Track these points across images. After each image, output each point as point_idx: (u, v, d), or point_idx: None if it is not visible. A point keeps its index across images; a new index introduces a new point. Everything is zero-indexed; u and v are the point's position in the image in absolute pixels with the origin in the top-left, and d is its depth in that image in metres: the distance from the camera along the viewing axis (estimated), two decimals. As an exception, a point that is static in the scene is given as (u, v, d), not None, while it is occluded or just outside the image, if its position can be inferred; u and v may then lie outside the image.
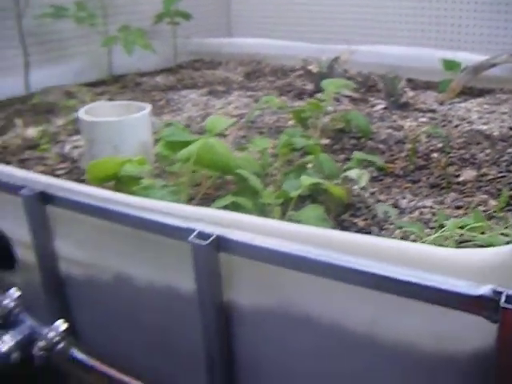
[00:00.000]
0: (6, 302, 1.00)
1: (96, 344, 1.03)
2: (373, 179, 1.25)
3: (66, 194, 0.97)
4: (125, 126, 1.24)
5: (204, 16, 2.71)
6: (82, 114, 1.29)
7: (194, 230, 0.80)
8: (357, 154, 1.26)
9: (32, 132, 1.62)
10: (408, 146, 1.41)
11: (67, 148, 1.52)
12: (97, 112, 1.31)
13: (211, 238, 0.78)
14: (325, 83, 1.51)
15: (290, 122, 1.60)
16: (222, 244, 0.79)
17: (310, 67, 1.90)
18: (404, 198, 1.16)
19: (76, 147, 1.51)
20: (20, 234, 1.10)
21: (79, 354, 0.94)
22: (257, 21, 2.85)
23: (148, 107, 1.29)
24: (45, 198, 0.99)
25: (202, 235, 0.79)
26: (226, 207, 0.94)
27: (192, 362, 0.92)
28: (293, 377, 0.84)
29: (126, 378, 0.90)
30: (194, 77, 2.27)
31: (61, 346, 0.94)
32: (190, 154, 1.03)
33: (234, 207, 0.94)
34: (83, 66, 2.28)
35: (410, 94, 1.76)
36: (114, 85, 2.20)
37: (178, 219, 0.83)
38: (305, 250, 0.72)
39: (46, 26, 2.19)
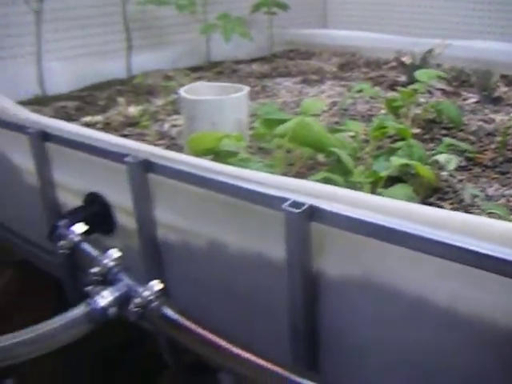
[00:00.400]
0: (105, 261, 1.07)
1: (186, 307, 1.08)
2: (461, 168, 1.26)
3: (168, 163, 1.03)
4: (224, 105, 1.30)
5: (300, 7, 2.74)
6: (183, 92, 1.35)
7: (288, 199, 0.84)
8: (446, 140, 1.28)
9: (133, 110, 1.70)
10: (498, 138, 1.42)
11: (166, 126, 1.59)
12: (196, 91, 1.38)
13: (304, 207, 0.82)
14: (418, 73, 1.53)
15: (382, 111, 1.62)
16: (314, 213, 0.83)
17: (403, 59, 1.91)
18: (491, 186, 1.17)
19: (174, 126, 1.58)
20: (121, 200, 1.18)
21: (172, 313, 0.99)
22: (352, 14, 2.87)
23: (246, 89, 1.34)
24: (147, 166, 1.05)
25: (296, 204, 0.83)
26: (318, 182, 0.98)
27: (277, 330, 0.96)
28: (374, 348, 0.87)
29: (215, 339, 0.94)
30: (289, 66, 2.31)
31: (155, 304, 0.99)
32: (286, 130, 1.07)
33: (326, 182, 0.97)
34: (182, 52, 2.36)
35: (504, 89, 1.76)
36: (210, 70, 2.27)
37: (273, 189, 0.88)
38: (395, 222, 0.75)
39: (149, 12, 2.28)
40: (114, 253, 1.08)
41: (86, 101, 1.92)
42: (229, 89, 1.38)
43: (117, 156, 1.10)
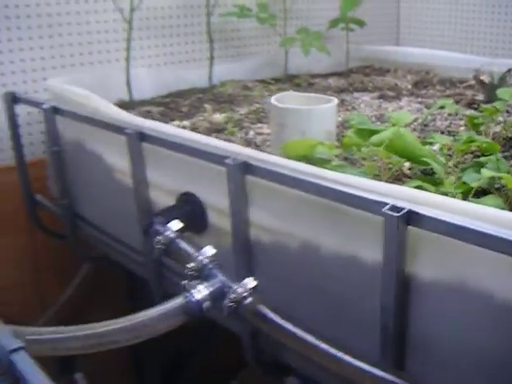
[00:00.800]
0: (200, 257, 1.12)
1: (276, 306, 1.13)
2: (543, 186, 1.28)
3: (267, 166, 1.08)
4: (314, 115, 1.34)
5: (374, 24, 2.79)
6: (273, 101, 1.40)
7: (386, 204, 0.88)
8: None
9: (218, 117, 1.76)
10: None
11: (251, 134, 1.64)
12: (286, 101, 1.42)
13: (403, 211, 0.86)
14: (500, 91, 1.56)
15: (462, 128, 1.65)
16: (412, 217, 0.86)
17: (481, 77, 1.93)
18: None
19: (259, 134, 1.63)
20: (214, 200, 1.23)
21: (267, 311, 1.04)
22: (425, 32, 2.90)
23: (335, 100, 1.39)
24: (247, 168, 1.10)
25: (395, 208, 0.87)
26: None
27: (366, 331, 1.00)
28: (460, 351, 0.90)
29: (309, 337, 0.98)
30: (364, 81, 2.34)
31: (249, 300, 1.04)
32: (382, 139, 1.12)
33: (418, 190, 1.01)
34: (260, 64, 2.42)
35: None
36: (288, 83, 2.32)
37: (371, 193, 0.92)
38: (494, 229, 0.78)
39: (230, 24, 2.35)
40: (209, 250, 1.13)
41: (169, 106, 1.99)
42: (318, 99, 1.42)
43: (217, 158, 1.15)
